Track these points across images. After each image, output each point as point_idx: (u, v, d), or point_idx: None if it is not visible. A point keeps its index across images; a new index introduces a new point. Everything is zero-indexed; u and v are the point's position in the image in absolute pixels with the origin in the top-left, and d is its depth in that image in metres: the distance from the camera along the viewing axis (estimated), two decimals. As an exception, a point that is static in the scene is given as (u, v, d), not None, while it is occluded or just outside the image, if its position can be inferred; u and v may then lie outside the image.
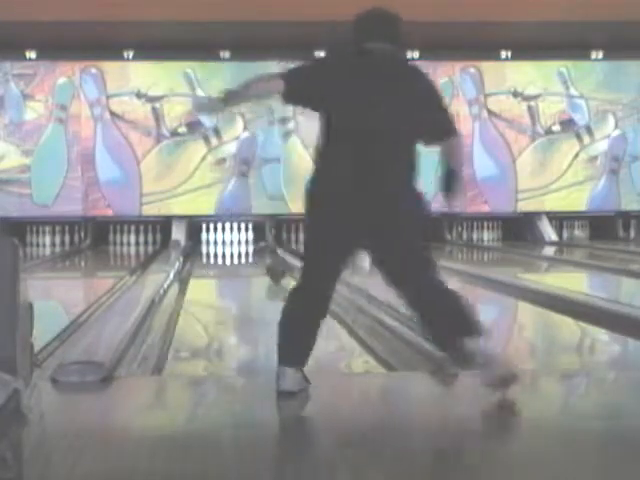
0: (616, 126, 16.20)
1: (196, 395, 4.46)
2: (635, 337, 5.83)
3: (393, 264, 4.05)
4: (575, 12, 13.23)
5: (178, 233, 15.12)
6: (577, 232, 16.47)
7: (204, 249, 15.19)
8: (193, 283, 9.90)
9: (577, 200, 16.13)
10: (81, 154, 15.38)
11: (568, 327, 6.77)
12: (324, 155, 4.11)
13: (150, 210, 15.45)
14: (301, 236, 15.73)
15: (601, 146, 16.17)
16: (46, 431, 3.36)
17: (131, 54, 15.18)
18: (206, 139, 15.51)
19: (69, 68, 15.36)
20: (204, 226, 15.69)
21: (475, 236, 16.24)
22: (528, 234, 15.96)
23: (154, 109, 15.47)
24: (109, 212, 15.46)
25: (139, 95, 15.44)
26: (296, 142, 15.63)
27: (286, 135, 15.64)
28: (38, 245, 15.21)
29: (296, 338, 4.01)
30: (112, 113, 15.41)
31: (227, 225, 15.78)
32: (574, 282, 10.17)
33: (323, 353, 6.24)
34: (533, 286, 8.36)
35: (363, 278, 7.53)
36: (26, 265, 3.05)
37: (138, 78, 15.44)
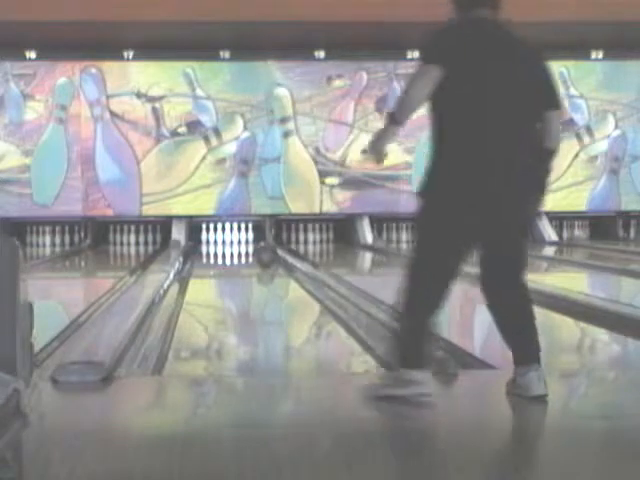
0: (616, 126, 16.20)
1: (196, 395, 4.46)
2: (635, 337, 5.83)
3: (499, 259, 3.97)
4: (575, 12, 13.23)
5: (178, 233, 15.13)
6: (577, 232, 16.47)
7: (204, 249, 15.19)
8: (193, 283, 9.90)
9: (577, 200, 16.13)
10: (81, 154, 15.38)
11: (568, 327, 6.78)
12: (457, 140, 3.82)
13: (151, 210, 15.46)
14: (301, 236, 15.77)
15: (601, 146, 16.17)
16: (46, 431, 3.36)
17: (131, 54, 15.18)
18: (206, 139, 15.51)
19: (69, 68, 15.36)
20: (204, 226, 15.70)
21: (475, 236, 16.21)
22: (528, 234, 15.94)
23: (154, 109, 15.46)
24: (109, 212, 15.46)
25: (139, 95, 15.44)
26: (296, 142, 15.63)
27: (286, 135, 15.64)
28: (38, 245, 15.21)
29: (421, 339, 3.89)
30: (112, 113, 15.41)
31: (227, 225, 15.79)
32: (574, 282, 10.17)
33: (323, 353, 6.25)
34: (533, 286, 8.33)
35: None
36: (26, 265, 3.04)
37: (138, 78, 15.44)
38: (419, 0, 12.98)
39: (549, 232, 15.88)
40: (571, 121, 16.10)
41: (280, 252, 13.59)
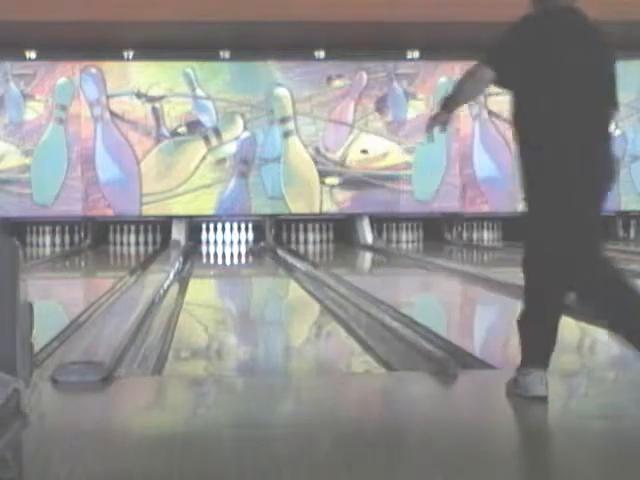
0: (616, 126, 16.20)
1: (196, 395, 4.46)
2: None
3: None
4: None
5: (178, 233, 15.13)
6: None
7: (204, 249, 15.20)
8: (193, 283, 9.90)
9: (577, 200, 16.12)
10: (81, 154, 15.38)
11: (568, 327, 6.76)
12: (548, 135, 3.77)
13: (151, 210, 15.46)
14: (301, 236, 15.77)
15: (601, 146, 16.16)
16: (46, 431, 3.36)
17: (131, 54, 15.18)
18: (206, 139, 15.51)
19: (69, 68, 15.36)
20: (204, 226, 15.70)
21: (475, 236, 16.24)
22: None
23: (154, 109, 15.46)
24: (109, 212, 15.46)
25: (139, 95, 15.44)
26: (296, 142, 15.63)
27: (286, 135, 15.64)
28: (38, 245, 15.20)
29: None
30: (112, 113, 15.41)
31: (227, 225, 15.79)
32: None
33: (323, 353, 6.25)
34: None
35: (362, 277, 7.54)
36: (26, 265, 3.04)
37: (138, 78, 15.44)
38: (419, 0, 13.00)
39: (549, 232, 15.85)
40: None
41: (280, 252, 13.60)
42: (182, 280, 9.77)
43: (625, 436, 3.41)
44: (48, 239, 15.37)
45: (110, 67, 15.38)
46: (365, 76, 15.76)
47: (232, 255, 14.84)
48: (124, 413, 3.99)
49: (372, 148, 15.75)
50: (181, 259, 12.04)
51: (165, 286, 8.65)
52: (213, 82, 15.56)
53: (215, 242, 15.67)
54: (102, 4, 12.83)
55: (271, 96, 15.57)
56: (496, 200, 16.00)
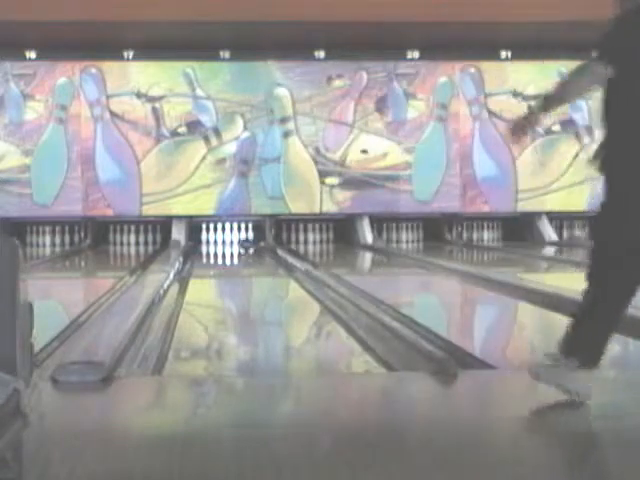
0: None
1: (196, 395, 4.46)
2: (635, 337, 5.83)
3: None
4: (575, 12, 13.22)
5: (178, 233, 15.13)
6: (577, 232, 16.47)
7: (204, 249, 15.20)
8: (193, 283, 9.90)
9: (577, 200, 16.12)
10: (81, 154, 15.38)
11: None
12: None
13: (151, 210, 15.46)
14: (301, 236, 15.77)
15: (601, 146, 16.15)
16: (46, 431, 3.36)
17: (131, 54, 15.18)
18: (206, 139, 15.51)
19: (69, 68, 15.36)
20: (204, 226, 15.70)
21: (475, 236, 16.24)
22: (528, 234, 15.96)
23: (154, 109, 15.46)
24: (109, 212, 15.46)
25: (139, 95, 15.44)
26: (296, 142, 15.63)
27: (286, 135, 15.64)
28: (38, 245, 15.20)
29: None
30: (112, 113, 15.41)
31: (227, 225, 15.79)
32: (574, 282, 10.15)
33: (323, 353, 6.25)
34: (533, 286, 8.36)
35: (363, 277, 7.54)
36: (26, 265, 3.05)
37: (138, 78, 15.44)
38: (419, 0, 13.00)
39: (549, 232, 15.88)
40: (571, 121, 16.11)
41: (280, 252, 13.60)
42: (182, 280, 9.77)
43: (625, 436, 3.41)
44: (48, 239, 15.37)
45: (110, 67, 15.38)
46: (365, 76, 15.76)
47: (232, 255, 14.83)
48: (124, 413, 3.99)
49: (372, 148, 15.74)
50: (181, 259, 12.05)
51: (165, 286, 8.65)
52: (213, 82, 15.56)
53: (215, 242, 15.67)
54: (102, 4, 12.83)
55: (271, 96, 15.57)
56: (496, 200, 16.00)
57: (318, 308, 7.97)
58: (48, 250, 14.97)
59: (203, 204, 15.53)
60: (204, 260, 14.09)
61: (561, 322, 6.87)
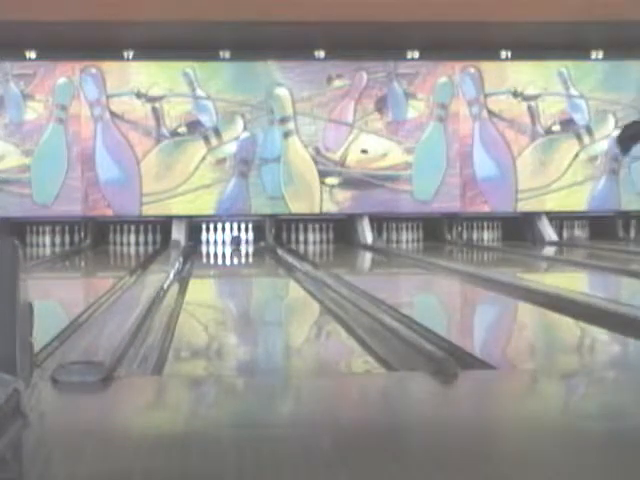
0: (616, 126, 16.19)
1: (196, 395, 4.46)
2: (635, 337, 5.83)
3: None
4: (575, 12, 13.23)
5: (178, 233, 15.13)
6: (577, 232, 16.46)
7: (204, 249, 15.20)
8: (193, 283, 9.90)
9: (577, 200, 16.13)
10: (81, 154, 15.39)
11: (568, 327, 6.77)
12: None
13: (151, 210, 15.47)
14: (301, 236, 15.78)
15: (601, 146, 16.17)
16: (46, 431, 3.36)
17: (131, 54, 15.18)
18: (206, 139, 15.51)
19: (69, 68, 15.36)
20: (204, 226, 15.71)
21: (475, 236, 16.24)
22: (528, 234, 15.97)
23: (154, 109, 15.47)
24: (109, 212, 15.46)
25: (139, 95, 15.44)
26: (296, 142, 15.63)
27: (286, 135, 15.64)
28: (38, 245, 15.20)
29: None
30: (112, 113, 15.42)
31: (227, 225, 15.80)
32: (574, 282, 10.17)
33: (323, 353, 6.24)
34: (533, 286, 8.36)
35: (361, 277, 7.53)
36: (26, 265, 3.05)
37: (138, 78, 15.44)
38: (419, 0, 12.99)
39: (549, 232, 15.88)
40: (571, 121, 16.11)
41: (280, 252, 13.60)
42: (182, 280, 9.77)
43: (625, 436, 3.41)
44: (48, 239, 15.37)
45: (110, 67, 15.39)
46: (365, 76, 15.76)
47: (232, 255, 14.83)
48: (124, 413, 3.99)
49: (372, 148, 15.75)
50: (181, 259, 12.05)
51: (165, 286, 8.65)
52: (213, 82, 15.56)
53: (215, 242, 15.68)
54: (102, 4, 12.83)
55: (271, 96, 15.57)
56: (496, 200, 16.01)
57: (318, 308, 7.97)
58: (48, 250, 14.97)
59: (203, 204, 15.54)
60: (204, 260, 14.09)
61: (561, 322, 6.89)
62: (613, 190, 16.21)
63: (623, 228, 16.39)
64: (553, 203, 16.13)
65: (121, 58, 15.23)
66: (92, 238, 15.31)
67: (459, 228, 16.18)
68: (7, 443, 2.87)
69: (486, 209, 16.04)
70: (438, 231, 15.87)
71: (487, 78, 15.96)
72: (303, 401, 3.98)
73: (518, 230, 16.05)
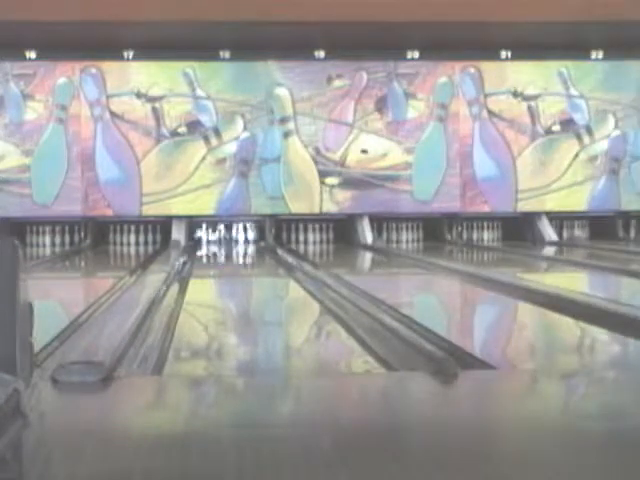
0: (616, 126, 16.20)
1: (196, 395, 4.46)
2: (635, 337, 5.83)
3: None
4: (575, 12, 13.22)
5: (178, 233, 15.13)
6: (577, 232, 16.47)
7: (204, 249, 15.20)
8: (193, 283, 9.90)
9: (577, 200, 16.13)
10: (81, 154, 15.39)
11: (568, 327, 6.77)
12: None
13: (151, 210, 15.47)
14: (301, 236, 15.78)
15: (601, 146, 16.17)
16: (46, 431, 3.36)
17: (131, 54, 15.18)
18: (206, 139, 15.51)
19: (69, 68, 15.36)
20: (204, 226, 15.71)
21: (475, 236, 16.24)
22: (528, 234, 15.97)
23: (154, 109, 15.47)
24: (109, 212, 15.46)
25: (139, 95, 15.44)
26: (296, 142, 15.63)
27: (286, 135, 15.64)
28: (38, 245, 15.20)
29: None
30: (112, 113, 15.42)
31: (227, 225, 15.81)
32: (574, 282, 10.17)
33: (323, 353, 6.24)
34: (533, 286, 8.36)
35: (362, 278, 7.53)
36: (26, 265, 3.06)
37: (138, 78, 15.44)
38: (419, 0, 12.99)
39: (549, 232, 15.88)
40: (571, 121, 16.11)
41: (280, 252, 13.60)
42: (182, 280, 9.77)
43: (625, 436, 3.41)
44: (48, 239, 15.37)
45: (110, 67, 15.39)
46: (365, 76, 15.76)
47: (232, 255, 14.83)
48: (124, 413, 3.99)
49: (372, 148, 15.75)
50: (181, 259, 12.05)
51: (165, 286, 8.65)
52: (213, 82, 15.55)
53: (215, 242, 15.68)
54: (102, 4, 12.83)
55: (271, 96, 15.57)
56: (496, 200, 16.01)
57: (318, 308, 7.97)
58: (48, 250, 14.97)
59: (203, 204, 15.54)
60: (204, 260, 14.09)
61: (561, 322, 6.89)
62: (613, 190, 16.21)
63: (623, 228, 16.39)
64: (553, 203, 16.13)
65: (121, 58, 15.23)
66: (92, 238, 15.31)
67: (459, 228, 16.19)
68: (7, 443, 2.87)
69: (486, 209, 16.04)
70: (438, 231, 15.87)
71: (487, 78, 15.96)
72: (303, 401, 3.98)
73: (518, 230, 16.05)
